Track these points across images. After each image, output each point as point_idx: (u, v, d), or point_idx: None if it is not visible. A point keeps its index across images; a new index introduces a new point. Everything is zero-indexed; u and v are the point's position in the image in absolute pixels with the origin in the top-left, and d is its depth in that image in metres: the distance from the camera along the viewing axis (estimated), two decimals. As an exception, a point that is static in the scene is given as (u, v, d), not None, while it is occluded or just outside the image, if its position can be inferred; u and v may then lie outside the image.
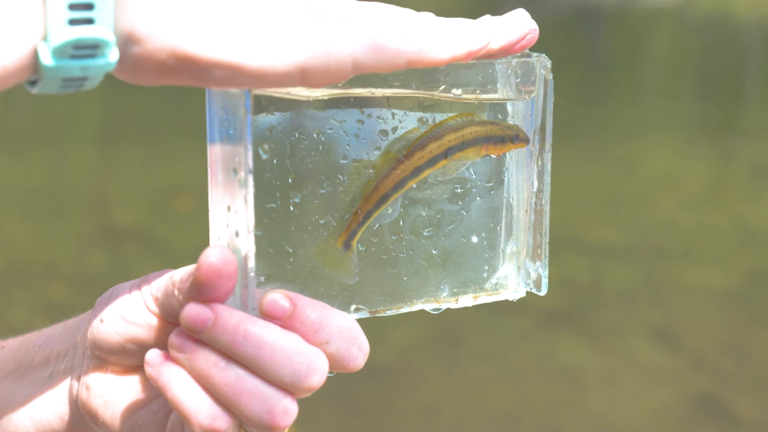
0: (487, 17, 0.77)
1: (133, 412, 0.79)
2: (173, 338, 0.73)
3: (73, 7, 0.61)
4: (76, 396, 0.81)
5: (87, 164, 7.27)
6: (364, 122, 0.78)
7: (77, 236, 5.62)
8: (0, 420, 0.86)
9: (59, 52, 0.62)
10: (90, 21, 0.62)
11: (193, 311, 0.71)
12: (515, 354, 4.31)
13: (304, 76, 0.67)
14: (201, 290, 0.71)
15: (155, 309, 0.76)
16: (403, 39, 0.70)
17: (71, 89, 0.66)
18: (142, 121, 8.05)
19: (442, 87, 0.79)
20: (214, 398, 0.72)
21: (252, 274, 0.73)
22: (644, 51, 14.64)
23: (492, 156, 0.83)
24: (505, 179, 0.84)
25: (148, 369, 0.73)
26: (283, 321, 0.73)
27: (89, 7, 0.62)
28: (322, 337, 0.74)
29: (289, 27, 0.67)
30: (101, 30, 0.62)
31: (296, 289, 0.77)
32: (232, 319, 0.71)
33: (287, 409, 0.73)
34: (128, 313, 0.76)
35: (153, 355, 0.74)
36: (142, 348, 0.76)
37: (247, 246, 0.73)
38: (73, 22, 0.61)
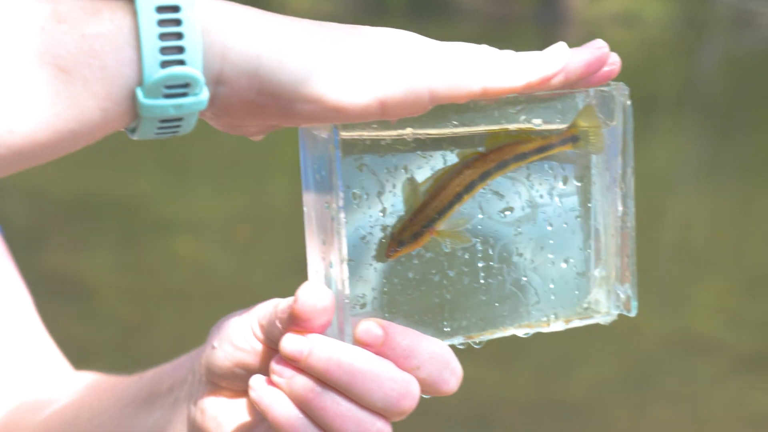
0: (561, 44, 0.78)
1: None
2: (274, 365, 0.77)
3: (164, 50, 0.67)
4: (193, 419, 0.85)
5: (284, 195, 7.48)
6: (448, 158, 0.81)
7: (274, 265, 5.78)
8: None
9: (153, 91, 0.67)
10: (181, 63, 0.68)
11: (290, 342, 0.76)
12: (708, 398, 4.19)
13: (384, 109, 0.72)
14: (298, 322, 0.76)
15: (261, 336, 0.80)
16: (477, 67, 0.73)
17: (168, 133, 0.71)
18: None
19: (523, 118, 0.81)
20: (312, 420, 0.77)
21: (347, 301, 0.77)
22: None
23: (576, 183, 0.85)
24: (591, 205, 0.86)
25: (251, 393, 0.78)
26: (376, 348, 0.76)
27: (180, 50, 0.67)
28: (413, 363, 0.77)
29: (367, 62, 0.71)
30: (191, 69, 0.68)
31: (390, 317, 0.80)
32: (326, 349, 0.75)
33: (381, 431, 0.76)
34: (236, 339, 0.81)
35: (256, 380, 0.78)
36: (249, 372, 0.81)
37: (342, 276, 0.77)
38: (165, 64, 0.67)
